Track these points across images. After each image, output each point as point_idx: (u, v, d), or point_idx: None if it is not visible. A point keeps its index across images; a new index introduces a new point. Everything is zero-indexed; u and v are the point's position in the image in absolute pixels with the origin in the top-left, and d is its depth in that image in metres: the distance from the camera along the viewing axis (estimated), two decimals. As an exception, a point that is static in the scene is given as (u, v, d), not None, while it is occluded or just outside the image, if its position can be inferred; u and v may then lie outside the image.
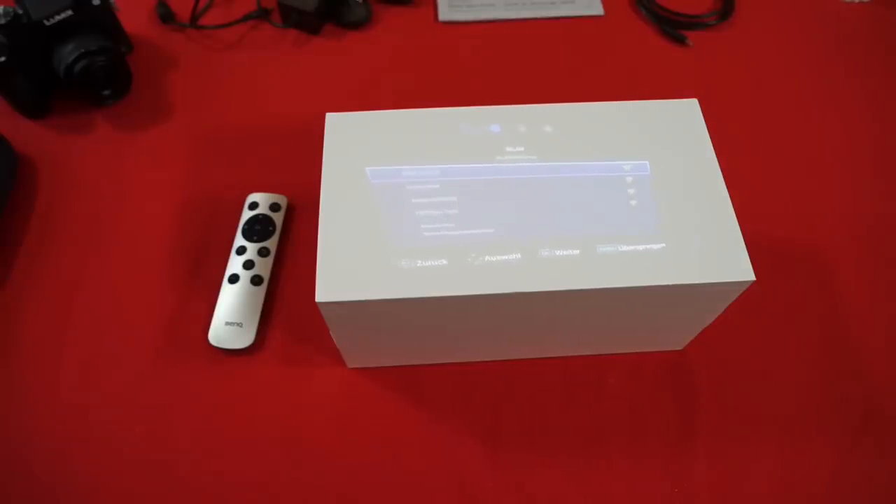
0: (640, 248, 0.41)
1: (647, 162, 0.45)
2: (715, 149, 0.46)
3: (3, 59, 0.58)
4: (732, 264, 0.41)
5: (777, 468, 0.50)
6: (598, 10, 0.74)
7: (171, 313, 0.55)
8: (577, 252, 0.41)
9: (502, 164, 0.44)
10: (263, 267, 0.56)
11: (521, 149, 0.45)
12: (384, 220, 0.42)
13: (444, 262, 0.40)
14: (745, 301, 0.51)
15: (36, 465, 0.49)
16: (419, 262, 0.41)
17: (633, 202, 0.43)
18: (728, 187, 0.44)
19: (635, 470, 0.49)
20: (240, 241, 0.57)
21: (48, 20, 0.59)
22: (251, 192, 0.59)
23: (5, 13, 0.58)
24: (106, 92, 0.63)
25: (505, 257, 0.41)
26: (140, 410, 0.51)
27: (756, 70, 0.70)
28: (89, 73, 0.60)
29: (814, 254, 0.59)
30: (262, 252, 0.56)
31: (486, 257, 0.41)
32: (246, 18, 0.72)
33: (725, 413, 0.52)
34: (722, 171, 0.45)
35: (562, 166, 0.44)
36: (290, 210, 0.60)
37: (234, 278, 0.55)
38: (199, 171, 0.62)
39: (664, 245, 0.41)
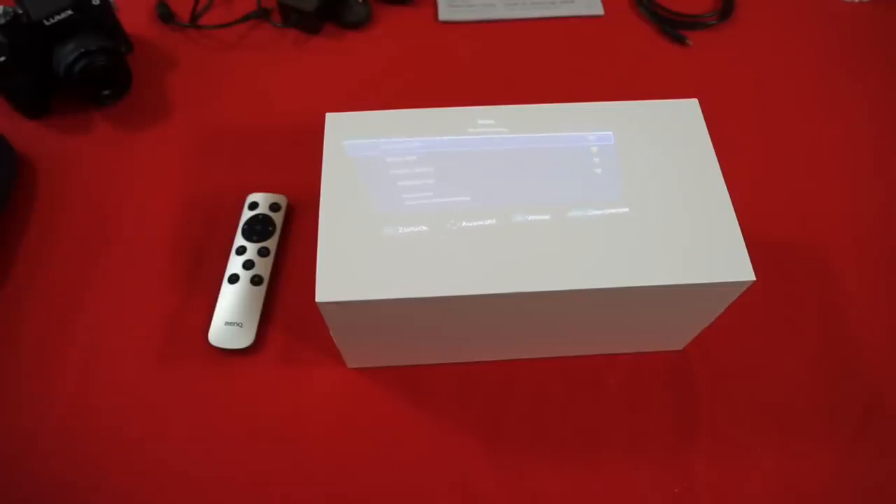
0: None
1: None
2: (715, 149, 0.46)
3: (3, 59, 0.58)
4: (732, 264, 0.41)
5: (777, 468, 0.50)
6: (598, 10, 0.74)
7: (171, 313, 0.55)
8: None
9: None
10: (263, 267, 0.56)
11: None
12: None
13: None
14: (745, 301, 0.51)
15: (36, 465, 0.49)
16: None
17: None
18: (728, 187, 0.44)
19: (635, 469, 0.49)
20: (240, 241, 0.57)
21: (48, 20, 0.59)
22: (251, 192, 0.59)
23: (5, 13, 0.58)
24: (106, 92, 0.63)
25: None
26: (140, 410, 0.51)
27: (756, 70, 0.70)
28: (89, 73, 0.60)
29: (814, 254, 0.59)
30: (262, 252, 0.56)
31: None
32: (246, 18, 0.72)
33: (725, 413, 0.52)
34: (722, 171, 0.45)
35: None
36: (290, 210, 0.60)
37: (233, 278, 0.55)
38: (199, 171, 0.62)
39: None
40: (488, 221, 0.42)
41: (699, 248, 0.41)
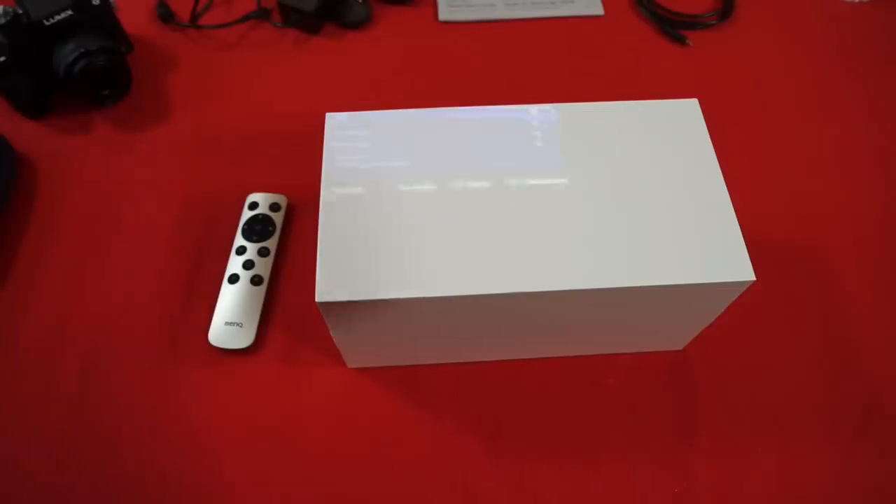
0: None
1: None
2: (715, 149, 0.46)
3: (3, 59, 0.58)
4: (732, 264, 0.41)
5: (777, 468, 0.50)
6: (598, 10, 0.74)
7: (171, 313, 0.55)
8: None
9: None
10: (263, 267, 0.56)
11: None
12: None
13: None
14: (745, 301, 0.51)
15: (35, 466, 0.49)
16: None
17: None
18: (728, 187, 0.44)
19: (635, 469, 0.49)
20: (240, 241, 0.57)
21: (48, 20, 0.59)
22: (251, 192, 0.60)
23: (5, 13, 0.58)
24: (106, 92, 0.63)
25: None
26: (140, 410, 0.51)
27: (756, 70, 0.70)
28: (89, 73, 0.60)
29: (814, 254, 0.59)
30: (262, 252, 0.56)
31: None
32: (246, 18, 0.72)
33: (725, 413, 0.52)
34: (722, 171, 0.45)
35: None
36: (290, 210, 0.60)
37: (233, 278, 0.55)
38: (199, 171, 0.62)
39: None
40: (489, 221, 0.42)
41: (699, 248, 0.41)
